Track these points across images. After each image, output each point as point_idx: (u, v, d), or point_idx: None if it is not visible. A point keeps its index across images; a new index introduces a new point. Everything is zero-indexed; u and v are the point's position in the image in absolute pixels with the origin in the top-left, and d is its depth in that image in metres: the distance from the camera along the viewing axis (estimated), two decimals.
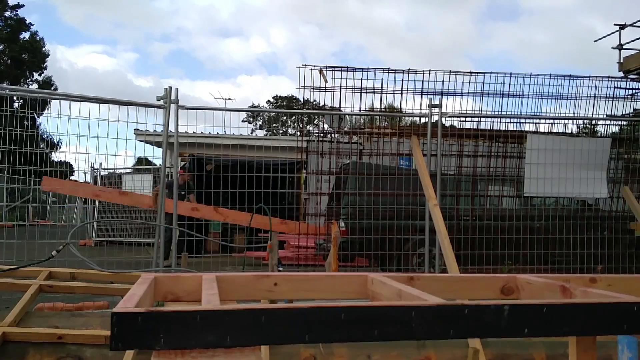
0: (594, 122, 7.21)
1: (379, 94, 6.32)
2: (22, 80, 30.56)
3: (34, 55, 31.54)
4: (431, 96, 6.11)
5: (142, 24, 79.40)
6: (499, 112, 6.53)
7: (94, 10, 71.09)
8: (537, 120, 6.71)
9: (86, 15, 72.16)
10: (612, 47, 7.84)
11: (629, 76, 7.56)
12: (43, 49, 32.64)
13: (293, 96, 40.33)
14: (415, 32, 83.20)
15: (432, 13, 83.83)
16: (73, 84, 54.89)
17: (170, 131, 5.15)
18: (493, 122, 6.62)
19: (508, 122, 6.72)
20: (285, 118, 42.54)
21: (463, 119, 6.63)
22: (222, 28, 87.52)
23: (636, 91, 7.11)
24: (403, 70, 6.16)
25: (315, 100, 6.80)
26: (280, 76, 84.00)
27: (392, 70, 6.16)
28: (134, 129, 5.61)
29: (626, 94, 6.99)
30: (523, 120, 6.75)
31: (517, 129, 6.69)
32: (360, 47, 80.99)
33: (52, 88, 30.29)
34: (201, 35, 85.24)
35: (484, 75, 6.36)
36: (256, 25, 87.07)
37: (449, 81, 6.27)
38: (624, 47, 7.77)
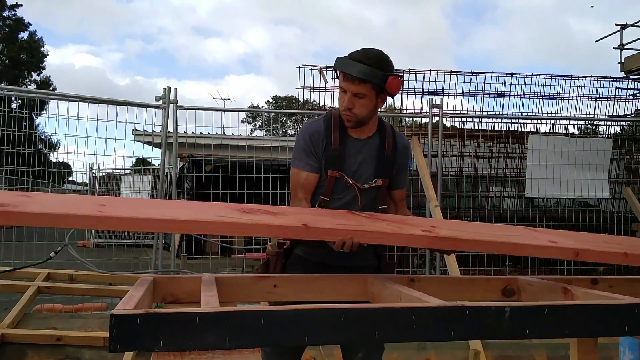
0: (595, 122, 7.20)
1: None
2: (20, 80, 30.54)
3: (32, 55, 31.54)
4: (432, 96, 6.11)
5: (122, 23, 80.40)
6: (500, 113, 6.53)
7: (73, 10, 71.80)
8: (539, 121, 6.70)
9: (63, 15, 72.78)
10: (614, 47, 7.84)
11: (631, 76, 7.57)
12: (42, 49, 32.66)
13: (293, 96, 40.37)
14: (391, 29, 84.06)
15: (405, 9, 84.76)
16: (66, 84, 55.25)
17: (169, 131, 5.14)
18: (494, 122, 6.62)
19: (509, 123, 6.72)
20: (284, 118, 42.56)
21: (464, 119, 6.63)
22: (202, 28, 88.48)
23: (638, 91, 7.11)
24: (404, 70, 6.16)
25: (315, 101, 6.80)
26: (266, 76, 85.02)
27: None
28: (133, 130, 5.59)
29: (627, 94, 6.99)
30: (524, 121, 6.75)
31: (519, 130, 6.69)
32: (338, 44, 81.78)
33: (51, 88, 30.26)
34: (182, 35, 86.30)
35: (485, 75, 6.36)
36: (235, 25, 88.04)
37: (449, 81, 6.28)
38: (625, 47, 7.78)
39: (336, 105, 6.11)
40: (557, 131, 6.68)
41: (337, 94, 6.38)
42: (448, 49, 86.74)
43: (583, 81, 6.60)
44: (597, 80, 6.66)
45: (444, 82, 6.27)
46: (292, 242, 2.14)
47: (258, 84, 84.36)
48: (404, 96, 6.28)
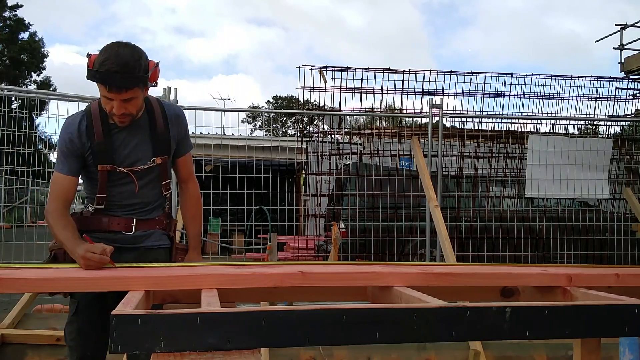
0: (595, 122, 7.20)
1: (380, 95, 6.32)
2: (20, 80, 30.51)
3: (32, 55, 31.50)
4: (432, 96, 6.11)
5: (105, 25, 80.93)
6: (500, 113, 6.53)
7: (57, 12, 71.92)
8: (539, 121, 6.70)
9: (50, 16, 72.91)
10: (614, 48, 7.84)
11: (631, 76, 7.56)
12: (42, 50, 32.62)
13: (293, 96, 40.36)
14: (366, 27, 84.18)
15: (382, 7, 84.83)
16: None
17: None
18: (494, 122, 6.62)
19: (509, 123, 6.72)
20: (285, 119, 42.56)
21: (464, 119, 6.62)
22: (183, 29, 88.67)
23: (638, 92, 7.10)
24: (404, 71, 6.16)
25: (315, 101, 6.80)
26: (252, 76, 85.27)
27: (393, 70, 6.16)
28: None
29: (627, 94, 6.99)
30: (524, 121, 6.75)
31: (519, 130, 6.68)
32: (322, 45, 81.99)
33: (51, 89, 30.22)
34: (165, 35, 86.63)
35: (485, 75, 6.35)
36: (215, 25, 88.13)
37: (449, 81, 6.28)
38: (625, 47, 7.78)
39: (336, 105, 6.13)
40: (557, 131, 6.67)
41: (336, 94, 6.34)
42: (425, 47, 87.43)
43: (583, 81, 6.60)
44: (597, 80, 6.66)
45: (444, 82, 6.26)
46: (80, 231, 2.14)
47: (246, 84, 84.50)
48: (404, 96, 6.28)
